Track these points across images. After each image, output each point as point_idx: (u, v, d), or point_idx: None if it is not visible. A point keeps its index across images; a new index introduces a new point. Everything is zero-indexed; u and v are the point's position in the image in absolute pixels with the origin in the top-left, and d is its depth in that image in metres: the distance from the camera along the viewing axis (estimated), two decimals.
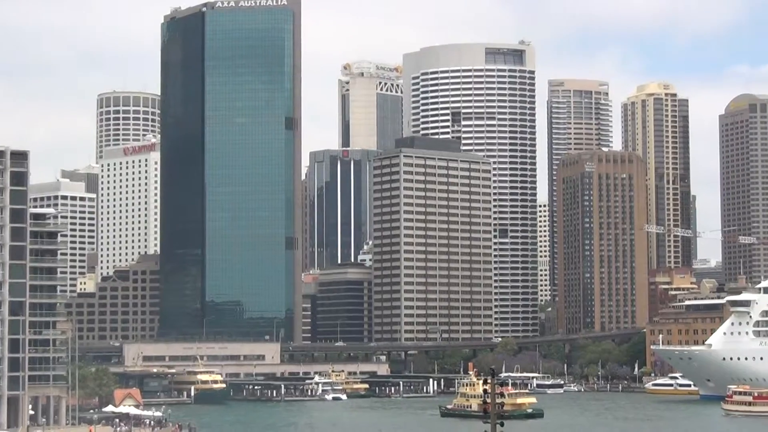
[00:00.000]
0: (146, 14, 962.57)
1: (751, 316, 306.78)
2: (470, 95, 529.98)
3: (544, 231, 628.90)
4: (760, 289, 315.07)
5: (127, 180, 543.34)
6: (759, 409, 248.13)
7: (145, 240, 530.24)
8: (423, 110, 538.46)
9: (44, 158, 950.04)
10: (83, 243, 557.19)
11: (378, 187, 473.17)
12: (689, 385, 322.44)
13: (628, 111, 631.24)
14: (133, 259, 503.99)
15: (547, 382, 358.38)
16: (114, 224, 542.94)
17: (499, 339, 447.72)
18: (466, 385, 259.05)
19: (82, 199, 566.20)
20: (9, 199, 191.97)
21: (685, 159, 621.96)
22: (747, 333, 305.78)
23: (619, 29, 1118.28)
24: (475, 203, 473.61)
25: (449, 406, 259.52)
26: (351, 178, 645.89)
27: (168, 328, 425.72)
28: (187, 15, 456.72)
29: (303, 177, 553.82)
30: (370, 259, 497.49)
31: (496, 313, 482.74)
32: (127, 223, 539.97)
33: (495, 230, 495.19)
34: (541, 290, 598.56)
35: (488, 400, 78.64)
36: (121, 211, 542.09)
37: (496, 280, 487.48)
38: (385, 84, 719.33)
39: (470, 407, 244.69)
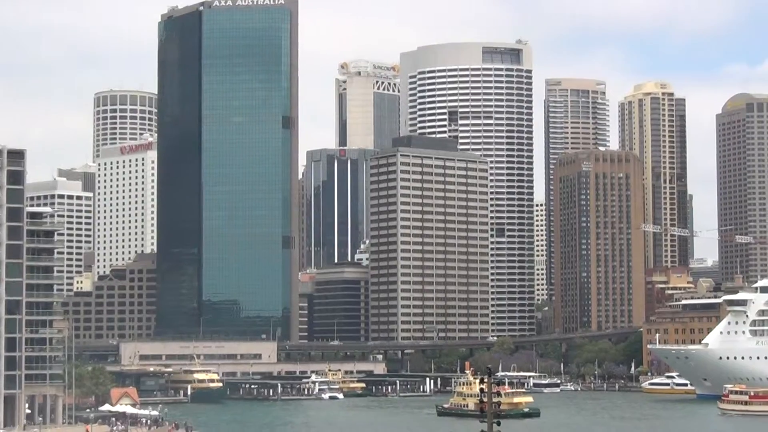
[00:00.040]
0: (143, 13, 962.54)
1: (747, 316, 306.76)
2: (467, 94, 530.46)
3: (541, 230, 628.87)
4: (756, 288, 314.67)
5: (124, 179, 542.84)
6: (755, 408, 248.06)
7: (142, 239, 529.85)
8: (420, 109, 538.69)
9: (41, 157, 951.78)
10: (80, 242, 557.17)
11: (375, 186, 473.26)
12: (686, 385, 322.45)
13: (625, 110, 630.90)
14: (129, 258, 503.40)
15: (543, 382, 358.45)
16: (111, 223, 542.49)
17: (496, 338, 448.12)
18: (463, 384, 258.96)
19: (78, 197, 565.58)
20: (6, 197, 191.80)
21: (682, 158, 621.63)
22: (744, 332, 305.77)
23: (616, 28, 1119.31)
24: (472, 202, 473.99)
25: (446, 406, 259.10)
26: (348, 177, 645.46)
27: (165, 327, 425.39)
28: (184, 14, 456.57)
29: (300, 176, 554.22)
30: (367, 259, 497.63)
31: (492, 312, 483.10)
32: (123, 221, 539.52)
33: (492, 229, 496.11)
34: (538, 289, 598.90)
35: (485, 400, 78.69)
36: (117, 210, 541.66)
37: (492, 279, 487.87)
38: (382, 83, 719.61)
39: (467, 406, 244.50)
